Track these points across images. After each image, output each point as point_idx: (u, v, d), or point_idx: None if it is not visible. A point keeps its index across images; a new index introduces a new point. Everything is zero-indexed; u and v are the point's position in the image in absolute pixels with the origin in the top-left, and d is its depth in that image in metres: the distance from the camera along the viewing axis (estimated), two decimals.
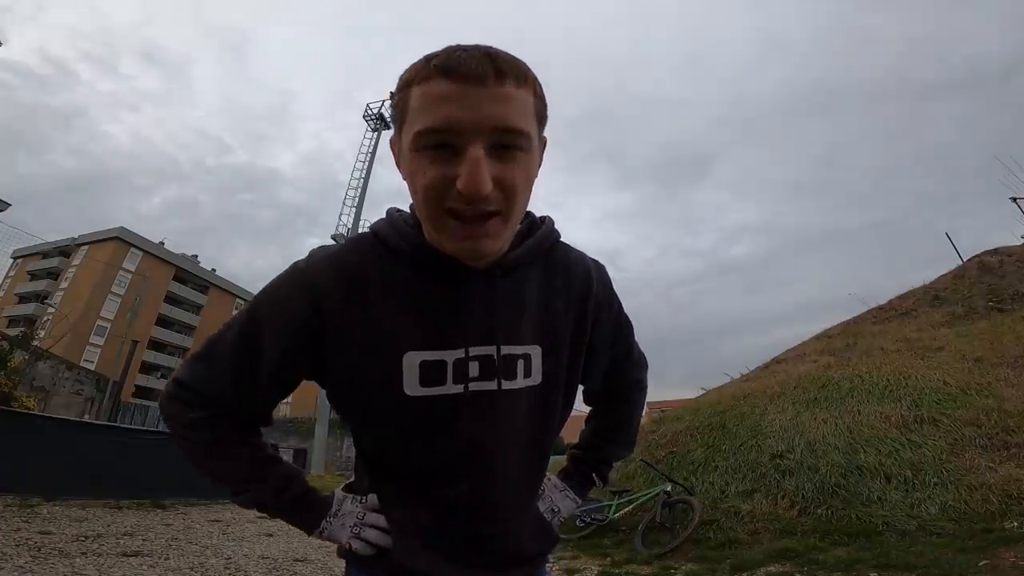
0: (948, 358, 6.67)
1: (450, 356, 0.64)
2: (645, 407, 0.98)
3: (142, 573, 3.70)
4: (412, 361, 0.63)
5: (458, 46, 0.56)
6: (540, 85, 0.61)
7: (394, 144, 0.65)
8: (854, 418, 5.57)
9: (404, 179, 0.62)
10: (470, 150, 0.53)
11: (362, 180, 25.59)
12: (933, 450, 4.80)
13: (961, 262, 11.47)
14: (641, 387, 0.93)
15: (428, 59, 0.57)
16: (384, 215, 0.70)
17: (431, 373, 0.63)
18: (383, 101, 27.09)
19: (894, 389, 5.93)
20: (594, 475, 0.89)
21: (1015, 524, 3.76)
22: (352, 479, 0.77)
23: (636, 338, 0.90)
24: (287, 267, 0.67)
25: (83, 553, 3.99)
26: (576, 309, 0.73)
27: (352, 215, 24.58)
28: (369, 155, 26.34)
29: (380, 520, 0.69)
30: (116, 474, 7.25)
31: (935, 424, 5.16)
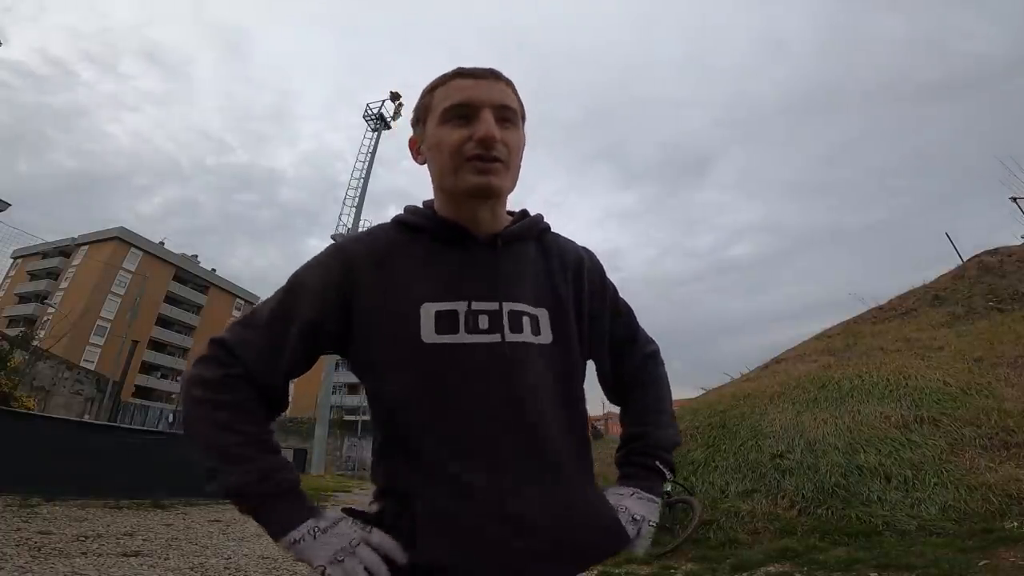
0: (948, 358, 6.67)
1: (461, 307, 0.72)
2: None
3: (142, 573, 3.70)
4: (428, 310, 0.71)
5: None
6: (521, 99, 0.80)
7: (414, 141, 0.82)
8: (854, 418, 5.57)
9: (426, 161, 0.79)
10: (483, 113, 0.73)
11: (362, 180, 25.56)
12: (933, 450, 4.80)
13: (961, 262, 11.47)
14: (656, 359, 0.93)
15: (445, 72, 0.78)
16: (401, 211, 0.83)
17: (445, 321, 0.71)
18: (383, 101, 27.09)
19: (894, 389, 5.94)
20: (656, 463, 0.81)
21: (1015, 524, 3.76)
22: (367, 505, 0.73)
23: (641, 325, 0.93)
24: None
25: (83, 553, 3.99)
26: (573, 277, 0.83)
27: (352, 215, 24.56)
28: (369, 155, 26.30)
29: (378, 550, 0.64)
30: (116, 474, 7.25)
31: (935, 424, 5.16)
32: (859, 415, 5.60)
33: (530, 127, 0.82)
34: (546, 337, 0.75)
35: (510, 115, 0.75)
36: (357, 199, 24.97)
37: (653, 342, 0.94)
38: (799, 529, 4.50)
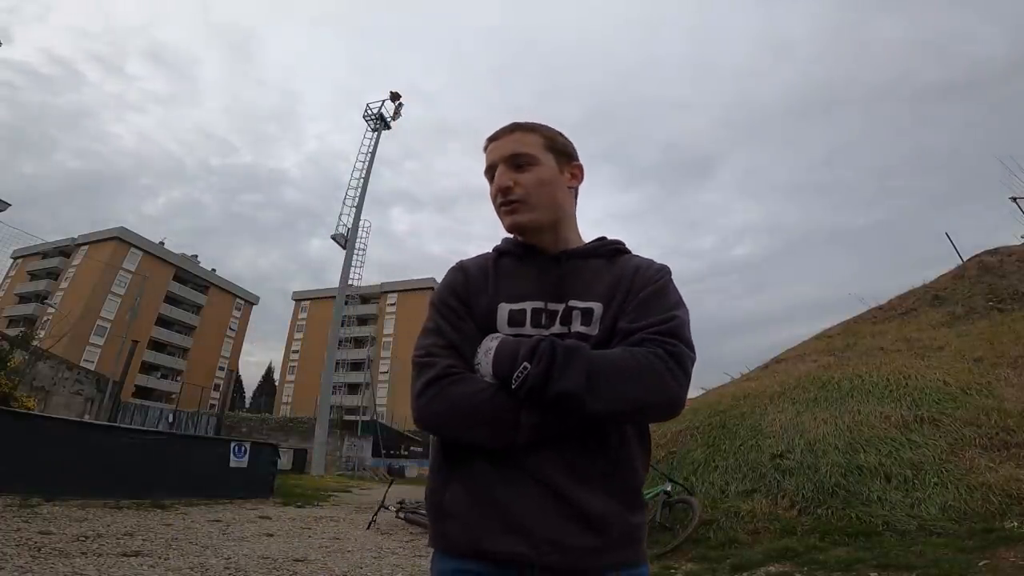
0: (948, 358, 6.67)
1: (529, 306, 0.93)
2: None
3: (142, 573, 3.70)
4: (504, 309, 0.93)
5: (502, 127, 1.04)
6: (550, 130, 1.03)
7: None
8: (854, 418, 5.58)
9: None
10: (498, 170, 0.99)
11: (362, 180, 25.50)
12: (933, 450, 4.80)
13: (961, 262, 11.48)
14: (659, 356, 0.80)
15: (490, 135, 1.04)
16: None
17: (515, 317, 0.92)
18: (383, 101, 27.05)
19: (894, 389, 5.94)
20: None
21: (1015, 524, 3.76)
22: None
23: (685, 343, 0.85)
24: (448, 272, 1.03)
25: (83, 553, 4.00)
26: (629, 282, 0.95)
27: (352, 215, 24.51)
28: (369, 155, 26.20)
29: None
30: (116, 474, 7.27)
31: (935, 424, 5.16)
32: (859, 415, 5.60)
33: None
34: (594, 328, 0.90)
35: (523, 159, 0.97)
36: (357, 199, 24.92)
37: (677, 344, 0.83)
38: (799, 529, 4.51)
